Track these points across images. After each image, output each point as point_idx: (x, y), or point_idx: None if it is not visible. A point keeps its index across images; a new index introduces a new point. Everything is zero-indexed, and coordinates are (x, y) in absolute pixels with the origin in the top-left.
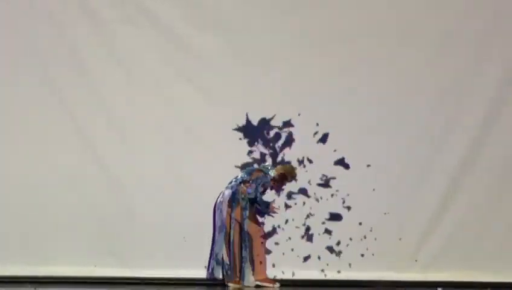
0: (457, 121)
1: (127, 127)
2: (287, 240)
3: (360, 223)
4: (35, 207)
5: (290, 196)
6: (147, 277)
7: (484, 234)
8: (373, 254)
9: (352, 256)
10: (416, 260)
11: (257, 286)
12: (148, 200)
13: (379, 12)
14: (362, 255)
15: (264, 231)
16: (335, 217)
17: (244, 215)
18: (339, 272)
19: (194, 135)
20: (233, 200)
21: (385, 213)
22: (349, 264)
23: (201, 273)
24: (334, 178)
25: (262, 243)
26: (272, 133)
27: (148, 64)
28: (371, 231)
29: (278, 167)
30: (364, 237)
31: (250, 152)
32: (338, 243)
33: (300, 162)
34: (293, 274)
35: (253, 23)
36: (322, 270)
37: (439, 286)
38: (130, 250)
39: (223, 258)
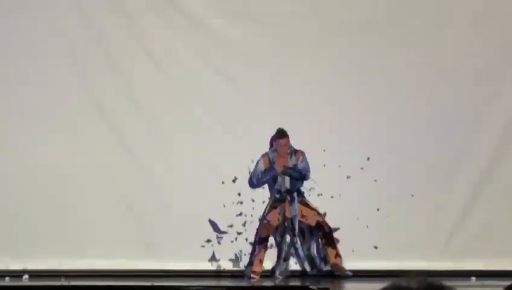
0: (490, 111)
1: (159, 119)
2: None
3: (391, 212)
4: (68, 201)
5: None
6: (182, 269)
7: None
8: (404, 243)
9: (384, 245)
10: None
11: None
12: (182, 193)
13: (411, 2)
14: (393, 244)
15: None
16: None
17: None
18: (370, 261)
19: (224, 124)
20: None
21: (417, 202)
22: (380, 254)
23: (237, 265)
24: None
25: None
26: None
27: (177, 55)
28: (402, 219)
29: None
30: (396, 226)
31: None
32: (369, 233)
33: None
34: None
35: (282, 11)
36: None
37: (473, 275)
38: (165, 243)
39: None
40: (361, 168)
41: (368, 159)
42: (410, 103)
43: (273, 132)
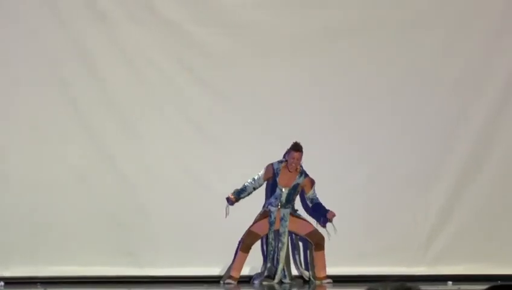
0: (468, 115)
1: (136, 125)
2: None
3: (369, 218)
4: (45, 207)
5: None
6: (159, 275)
7: (495, 226)
8: (383, 248)
9: (362, 251)
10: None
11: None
12: (160, 198)
13: (389, 5)
14: (372, 250)
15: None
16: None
17: None
18: (348, 266)
19: (204, 131)
20: None
21: (395, 207)
22: (358, 259)
23: (214, 270)
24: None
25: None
26: None
27: (157, 62)
28: (380, 225)
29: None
30: (374, 231)
31: None
32: (347, 238)
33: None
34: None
35: (262, 19)
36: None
37: (450, 280)
38: (142, 249)
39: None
40: (341, 174)
41: (347, 164)
42: (389, 107)
43: (251, 136)
